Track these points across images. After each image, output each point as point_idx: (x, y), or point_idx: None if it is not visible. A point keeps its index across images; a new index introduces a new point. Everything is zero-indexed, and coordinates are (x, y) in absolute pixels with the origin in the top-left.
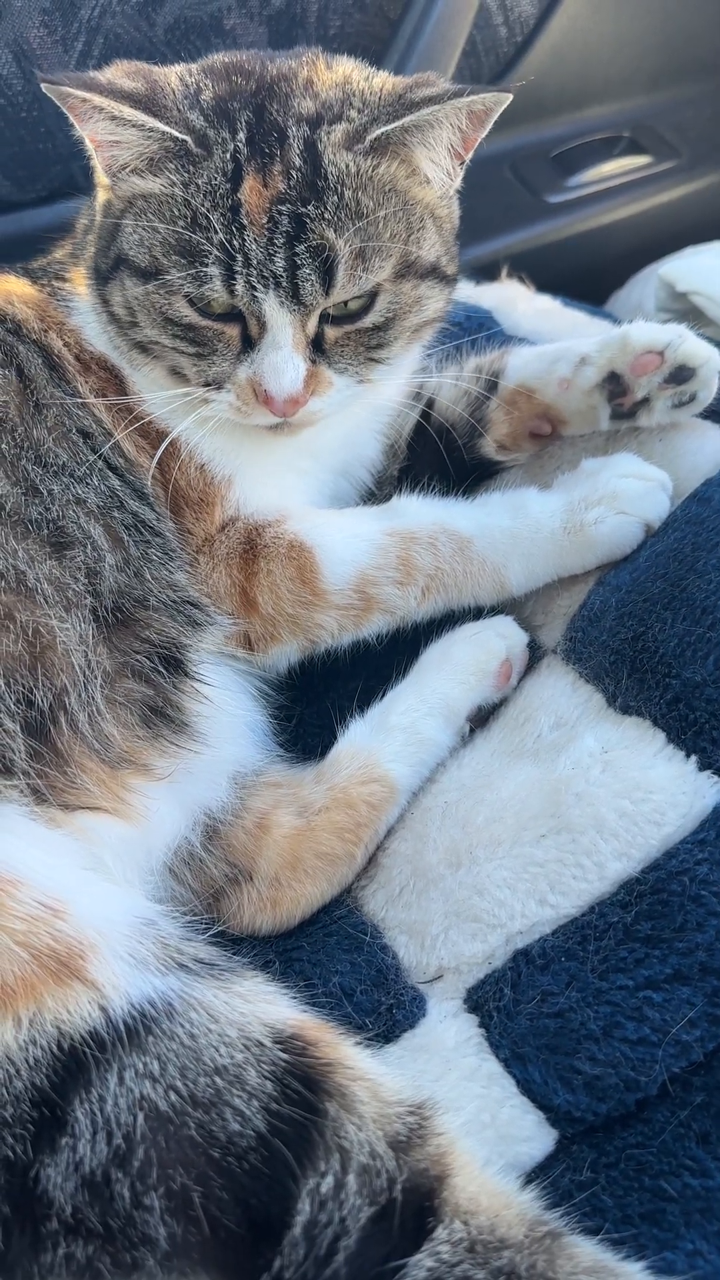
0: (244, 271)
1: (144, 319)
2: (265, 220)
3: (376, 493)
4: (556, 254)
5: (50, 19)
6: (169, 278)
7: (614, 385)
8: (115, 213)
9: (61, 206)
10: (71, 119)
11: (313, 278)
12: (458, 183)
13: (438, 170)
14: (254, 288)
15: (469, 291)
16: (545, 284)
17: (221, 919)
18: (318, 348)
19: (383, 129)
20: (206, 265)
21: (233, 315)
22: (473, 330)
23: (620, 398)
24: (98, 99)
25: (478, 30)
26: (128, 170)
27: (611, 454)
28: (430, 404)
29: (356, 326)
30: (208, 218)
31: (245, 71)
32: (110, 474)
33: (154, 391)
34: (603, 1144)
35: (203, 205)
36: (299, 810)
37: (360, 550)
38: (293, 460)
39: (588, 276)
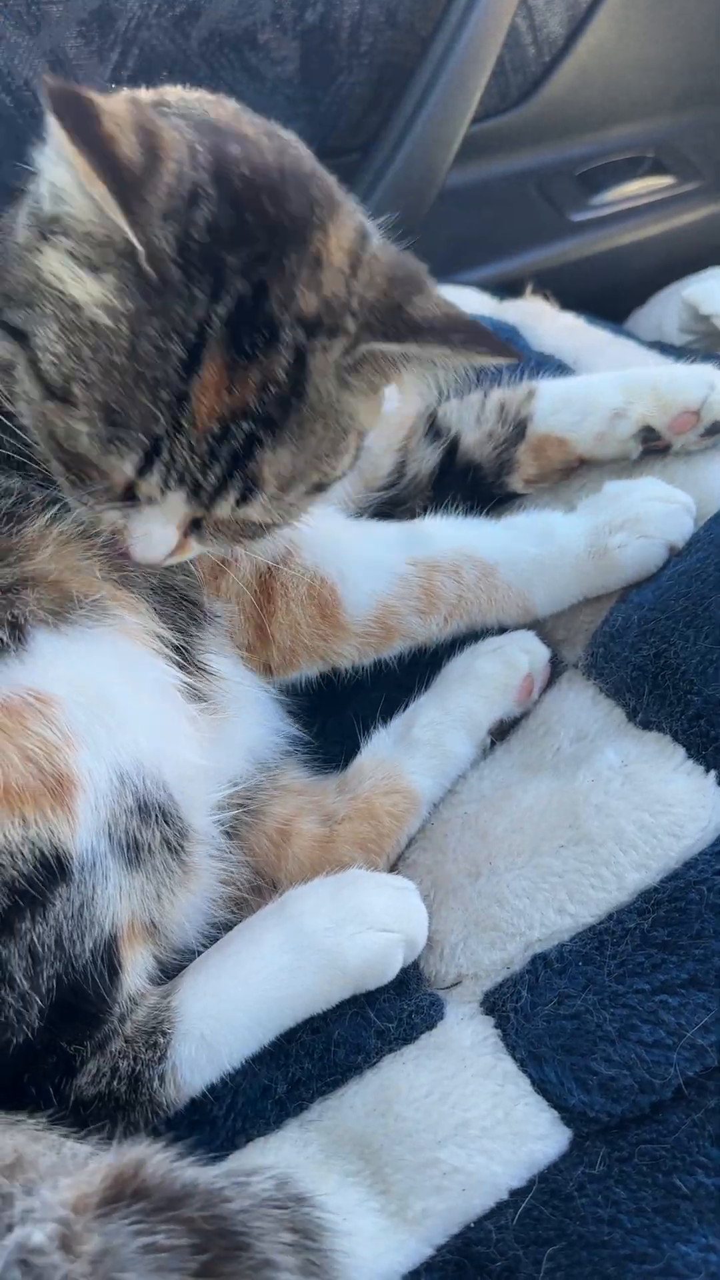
0: (163, 470)
1: (23, 406)
2: (216, 429)
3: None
4: (578, 272)
5: (88, 29)
6: (75, 416)
7: (649, 434)
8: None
9: None
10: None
11: (233, 497)
12: None
13: (411, 392)
14: (168, 487)
15: (492, 306)
16: (566, 301)
17: None
18: (195, 525)
19: (377, 346)
20: (125, 445)
21: None
22: None
23: (655, 441)
24: (70, 138)
25: (507, 50)
26: (58, 233)
27: (636, 476)
28: (454, 444)
29: (236, 518)
30: (153, 395)
31: (258, 196)
32: None
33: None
34: (616, 1139)
35: (145, 373)
36: (321, 819)
37: (382, 583)
38: None
39: (608, 295)
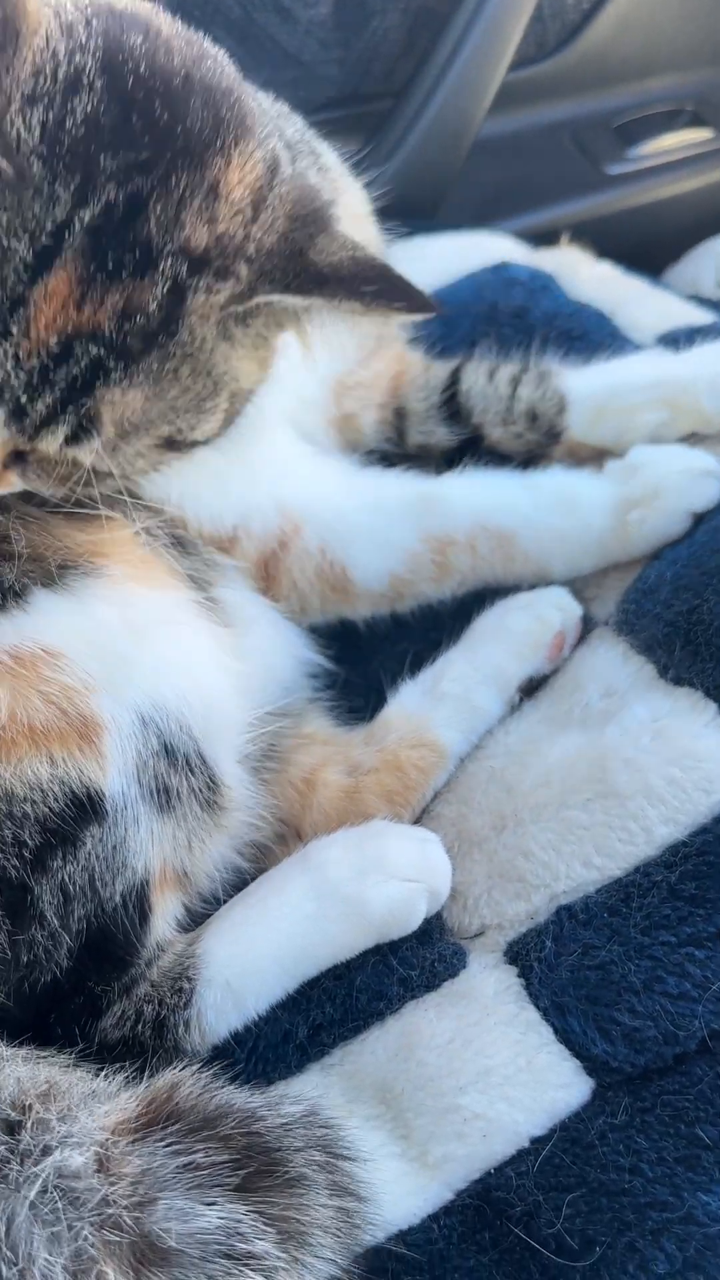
0: None
1: None
2: (54, 346)
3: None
4: (613, 226)
5: None
6: None
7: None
8: None
9: None
10: None
11: (63, 433)
12: None
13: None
14: None
15: (526, 254)
16: (600, 255)
17: None
18: (17, 458)
19: (276, 298)
20: None
21: None
22: (536, 290)
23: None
24: None
25: None
26: None
27: None
28: (477, 434)
29: (63, 458)
30: None
31: (151, 99)
32: None
33: None
34: (638, 1090)
35: None
36: (347, 770)
37: (394, 560)
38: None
39: (643, 250)
